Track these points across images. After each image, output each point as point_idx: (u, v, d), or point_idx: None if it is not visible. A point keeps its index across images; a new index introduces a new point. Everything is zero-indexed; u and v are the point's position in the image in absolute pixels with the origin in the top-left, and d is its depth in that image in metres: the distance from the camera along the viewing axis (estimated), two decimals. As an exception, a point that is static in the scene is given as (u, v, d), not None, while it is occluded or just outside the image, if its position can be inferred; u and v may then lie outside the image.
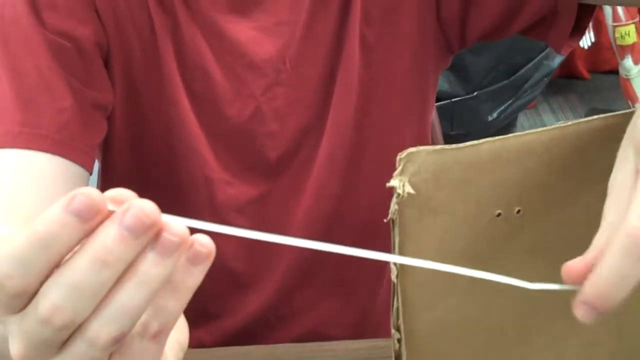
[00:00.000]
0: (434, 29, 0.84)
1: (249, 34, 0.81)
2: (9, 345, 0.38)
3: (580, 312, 0.43)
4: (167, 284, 0.37)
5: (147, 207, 0.35)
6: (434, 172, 0.45)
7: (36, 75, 0.73)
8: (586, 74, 2.94)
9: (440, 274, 0.46)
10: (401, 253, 0.47)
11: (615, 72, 2.57)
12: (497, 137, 0.46)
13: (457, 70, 1.95)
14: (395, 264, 0.47)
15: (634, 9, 2.39)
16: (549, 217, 0.49)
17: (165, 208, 0.93)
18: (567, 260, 0.51)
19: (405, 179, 0.45)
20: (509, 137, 0.46)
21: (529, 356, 0.56)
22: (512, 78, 2.14)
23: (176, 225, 0.36)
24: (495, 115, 2.16)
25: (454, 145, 0.45)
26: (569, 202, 0.50)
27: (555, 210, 0.49)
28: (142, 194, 0.92)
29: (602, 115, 0.48)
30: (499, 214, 0.48)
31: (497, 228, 0.48)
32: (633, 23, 2.38)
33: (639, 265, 0.40)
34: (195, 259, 0.37)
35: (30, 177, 0.71)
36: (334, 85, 0.83)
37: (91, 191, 0.35)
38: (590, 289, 0.42)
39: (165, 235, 0.36)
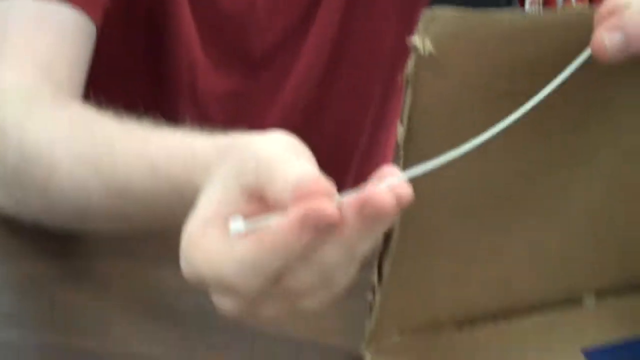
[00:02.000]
0: None
1: None
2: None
3: (614, 36, 0.42)
4: None
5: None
6: (454, 36, 0.46)
7: None
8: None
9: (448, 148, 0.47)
10: (411, 115, 0.48)
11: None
12: (517, 12, 0.47)
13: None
14: (402, 124, 0.48)
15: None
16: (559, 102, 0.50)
17: (149, 92, 0.93)
18: (571, 141, 0.53)
19: (427, 37, 0.45)
20: (530, 14, 0.47)
21: (506, 242, 0.58)
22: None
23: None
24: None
25: (477, 12, 0.46)
26: (587, 90, 0.51)
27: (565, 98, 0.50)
28: (127, 77, 0.92)
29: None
30: (509, 90, 0.49)
31: (506, 104, 0.49)
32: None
33: None
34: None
35: (51, 28, 0.69)
36: None
37: (330, 209, 0.38)
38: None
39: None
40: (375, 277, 0.54)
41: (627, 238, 0.61)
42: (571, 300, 0.63)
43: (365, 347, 0.58)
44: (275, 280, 0.41)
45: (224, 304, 0.44)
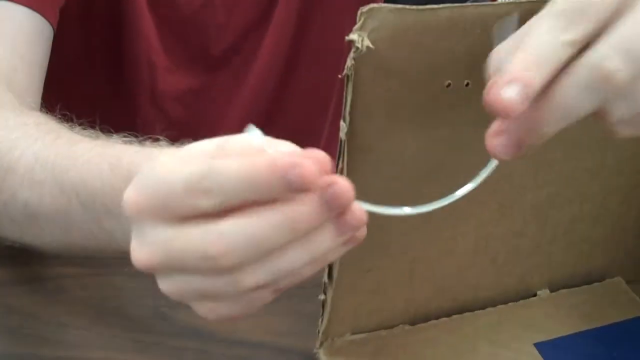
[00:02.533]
0: None
1: None
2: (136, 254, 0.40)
3: (500, 141, 0.40)
4: None
5: (347, 187, 0.37)
6: (392, 31, 0.46)
7: None
8: None
9: (389, 143, 0.47)
10: (352, 111, 0.47)
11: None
12: (456, 4, 0.47)
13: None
14: (344, 120, 0.48)
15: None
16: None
17: (109, 92, 0.92)
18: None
19: (365, 34, 0.45)
20: (468, 6, 0.47)
21: (457, 238, 0.58)
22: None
23: (359, 210, 0.39)
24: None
25: (414, 7, 0.46)
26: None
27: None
28: (87, 76, 0.90)
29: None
30: (448, 85, 0.49)
31: (445, 98, 0.49)
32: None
33: (591, 98, 0.39)
34: (350, 242, 0.40)
35: (9, 30, 0.68)
36: None
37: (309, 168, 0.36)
38: (532, 113, 0.39)
39: (349, 217, 0.38)
40: (325, 277, 0.54)
41: (576, 235, 0.61)
42: (524, 294, 0.63)
43: (318, 346, 0.58)
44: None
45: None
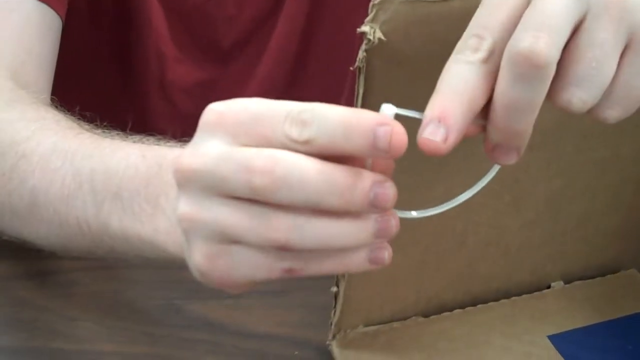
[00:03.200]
0: None
1: None
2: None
3: (495, 156, 0.40)
4: None
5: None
6: (404, 23, 0.45)
7: None
8: None
9: None
10: (364, 103, 0.47)
11: None
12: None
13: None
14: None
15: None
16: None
17: (118, 84, 0.91)
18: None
19: (377, 25, 0.45)
20: (479, -2, 0.47)
21: (469, 229, 0.58)
22: None
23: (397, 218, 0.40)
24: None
25: (426, -1, 0.46)
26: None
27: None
28: (95, 67, 0.90)
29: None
30: (461, 75, 0.48)
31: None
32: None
33: (530, 89, 0.37)
34: (375, 260, 0.40)
35: (18, 23, 0.67)
36: None
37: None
38: (492, 129, 0.39)
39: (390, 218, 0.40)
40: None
41: (589, 226, 0.61)
42: (538, 286, 0.62)
43: (331, 338, 0.57)
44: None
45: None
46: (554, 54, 0.37)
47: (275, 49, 0.87)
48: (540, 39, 0.36)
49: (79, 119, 0.60)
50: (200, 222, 0.39)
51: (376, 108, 0.48)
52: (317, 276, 0.39)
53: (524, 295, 0.62)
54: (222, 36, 0.86)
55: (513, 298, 0.61)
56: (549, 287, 0.63)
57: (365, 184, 0.37)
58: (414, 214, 0.42)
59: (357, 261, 0.39)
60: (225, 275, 0.40)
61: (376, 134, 0.37)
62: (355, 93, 0.48)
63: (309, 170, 0.36)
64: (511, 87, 0.37)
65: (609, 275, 0.64)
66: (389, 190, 0.38)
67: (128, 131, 0.57)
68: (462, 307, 0.61)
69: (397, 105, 0.49)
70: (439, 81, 0.40)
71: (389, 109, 0.39)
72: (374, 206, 0.38)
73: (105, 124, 0.58)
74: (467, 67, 0.39)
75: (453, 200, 0.43)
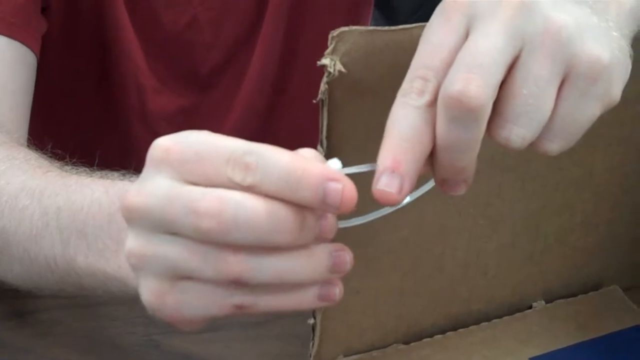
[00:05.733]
0: None
1: None
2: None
3: (445, 190, 0.41)
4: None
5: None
6: (365, 53, 0.45)
7: None
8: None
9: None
10: (329, 134, 0.47)
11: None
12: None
13: (382, 7, 1.94)
14: (321, 145, 0.47)
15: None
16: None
17: (98, 115, 0.91)
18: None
19: (337, 57, 0.45)
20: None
21: (447, 253, 0.57)
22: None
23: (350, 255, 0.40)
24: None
25: (386, 28, 0.45)
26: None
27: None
28: (75, 100, 0.90)
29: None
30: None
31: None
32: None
33: (465, 131, 0.37)
34: (325, 298, 0.40)
35: None
36: None
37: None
38: (436, 166, 0.39)
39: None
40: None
41: (568, 245, 0.61)
42: (520, 307, 0.62)
43: (311, 369, 0.57)
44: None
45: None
46: (487, 95, 0.37)
47: (254, 74, 0.87)
48: (472, 82, 0.36)
49: (50, 156, 0.60)
50: (148, 257, 0.39)
51: (342, 139, 0.48)
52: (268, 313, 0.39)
53: (505, 317, 0.61)
54: (200, 63, 0.86)
55: (494, 320, 0.61)
56: (530, 307, 0.62)
57: (312, 220, 0.38)
58: (339, 224, 0.41)
59: (307, 298, 0.39)
60: (175, 312, 0.39)
61: (326, 190, 0.36)
62: (320, 125, 0.47)
63: (257, 212, 0.36)
64: (447, 129, 0.37)
65: (591, 293, 0.64)
66: (334, 222, 0.39)
67: (111, 161, 0.57)
68: (443, 331, 0.60)
69: (362, 134, 0.49)
70: (387, 127, 0.39)
71: (335, 164, 0.39)
72: (322, 240, 0.39)
73: (75, 160, 0.58)
74: (414, 112, 0.39)
75: (379, 211, 0.43)
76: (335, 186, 0.36)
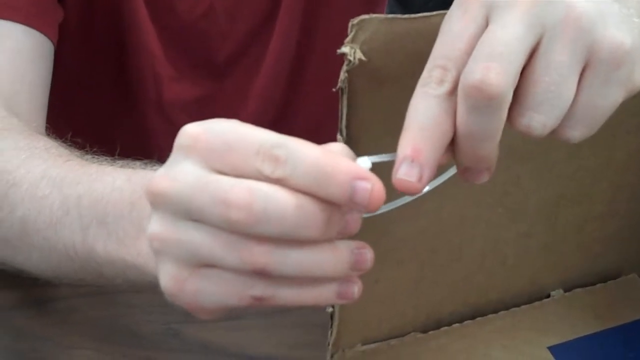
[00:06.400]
0: None
1: None
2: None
3: (467, 178, 0.41)
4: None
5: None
6: (385, 41, 0.45)
7: None
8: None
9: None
10: (348, 123, 0.47)
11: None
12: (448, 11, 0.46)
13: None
14: (341, 134, 0.47)
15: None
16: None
17: (116, 106, 0.91)
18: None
19: (357, 46, 0.45)
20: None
21: (465, 242, 0.57)
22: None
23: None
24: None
25: (406, 16, 0.45)
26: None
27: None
28: (92, 90, 0.89)
29: None
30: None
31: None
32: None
33: (486, 119, 0.37)
34: (344, 296, 0.40)
35: (9, 49, 0.67)
36: None
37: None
38: (458, 155, 0.39)
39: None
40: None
41: (586, 234, 0.60)
42: (538, 296, 0.62)
43: (329, 358, 0.57)
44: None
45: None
46: (508, 83, 0.36)
47: (270, 63, 0.87)
48: (492, 70, 0.36)
49: (70, 145, 0.60)
50: (171, 242, 0.39)
51: (361, 128, 0.48)
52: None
53: (523, 306, 0.61)
54: (216, 52, 0.86)
55: (512, 309, 0.61)
56: (548, 296, 0.62)
57: (338, 215, 0.38)
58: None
59: (326, 294, 0.39)
60: (193, 299, 0.39)
61: (355, 188, 0.36)
62: (339, 114, 0.47)
63: (286, 206, 0.36)
64: (468, 118, 0.37)
65: (609, 281, 0.64)
66: (359, 218, 0.39)
67: (129, 151, 0.57)
68: (461, 320, 0.60)
69: (382, 123, 0.49)
70: (407, 116, 0.39)
71: (364, 163, 0.39)
72: (345, 235, 0.39)
73: (95, 149, 0.58)
74: (434, 102, 0.38)
75: (399, 200, 0.43)
76: (364, 185, 0.36)
